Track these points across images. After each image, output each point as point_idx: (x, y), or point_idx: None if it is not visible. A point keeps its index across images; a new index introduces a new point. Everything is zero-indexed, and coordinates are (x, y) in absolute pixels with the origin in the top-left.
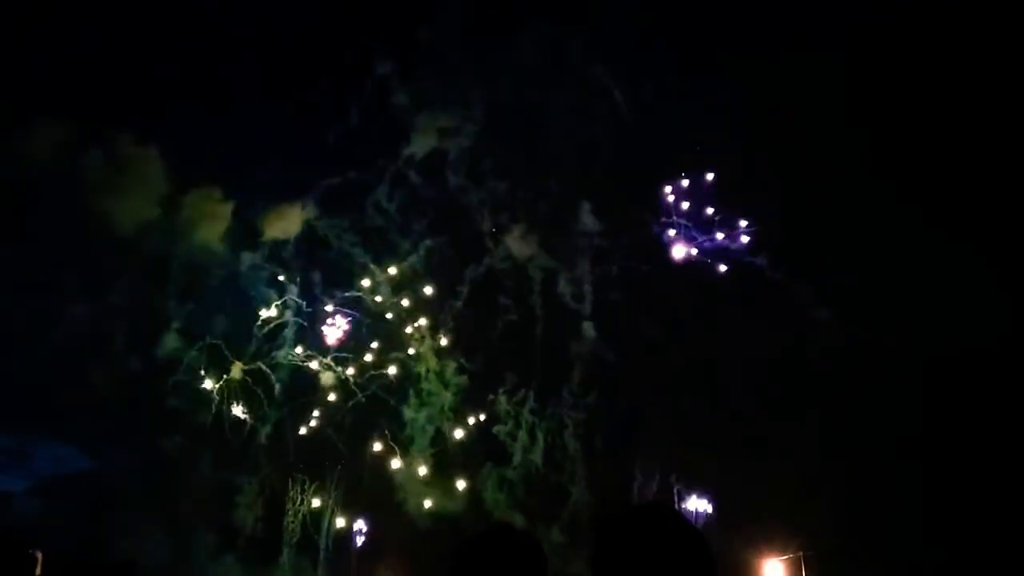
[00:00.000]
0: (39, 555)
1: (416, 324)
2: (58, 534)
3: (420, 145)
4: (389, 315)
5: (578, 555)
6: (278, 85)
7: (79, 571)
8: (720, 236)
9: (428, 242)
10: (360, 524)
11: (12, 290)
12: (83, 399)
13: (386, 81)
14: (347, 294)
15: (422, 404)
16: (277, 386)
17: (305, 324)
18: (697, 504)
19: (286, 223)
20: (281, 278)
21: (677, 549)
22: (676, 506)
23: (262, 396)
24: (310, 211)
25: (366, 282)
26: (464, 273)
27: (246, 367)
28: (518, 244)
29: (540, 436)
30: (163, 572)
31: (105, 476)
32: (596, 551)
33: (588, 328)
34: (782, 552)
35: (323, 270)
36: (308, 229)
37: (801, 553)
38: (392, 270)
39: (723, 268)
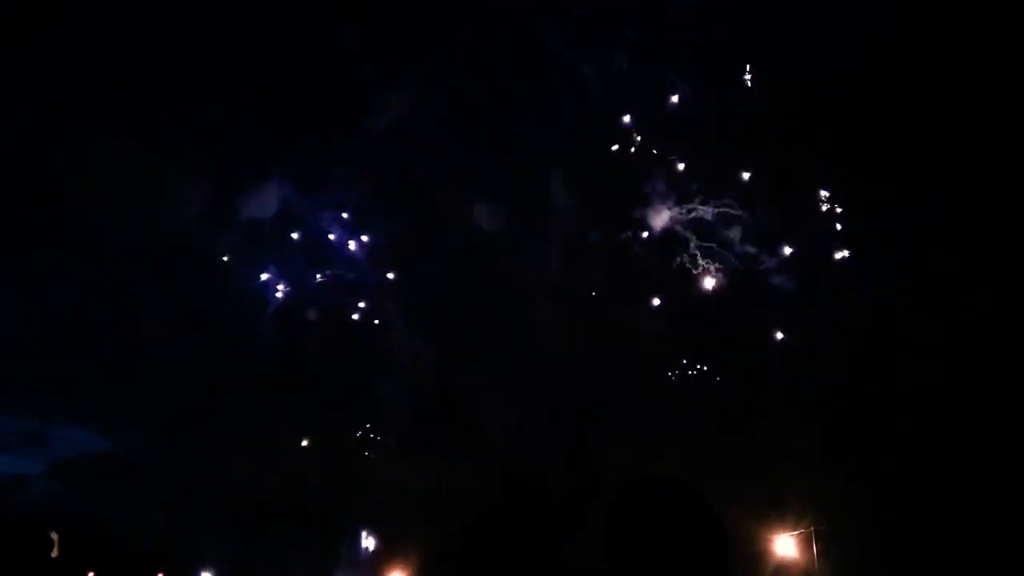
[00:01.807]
0: (55, 536)
1: (389, 299)
2: (73, 514)
3: (387, 118)
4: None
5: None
6: (249, 63)
7: (108, 560)
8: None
9: (397, 216)
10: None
11: (19, 277)
12: (97, 381)
13: (353, 53)
14: (327, 271)
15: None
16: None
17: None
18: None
19: (263, 201)
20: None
21: (691, 522)
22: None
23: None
24: (286, 188)
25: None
26: (434, 247)
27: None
28: (487, 217)
29: (513, 413)
30: (177, 551)
31: (120, 457)
32: (609, 522)
33: (557, 302)
34: (794, 527)
35: (302, 247)
36: (285, 206)
37: (812, 528)
38: (364, 238)
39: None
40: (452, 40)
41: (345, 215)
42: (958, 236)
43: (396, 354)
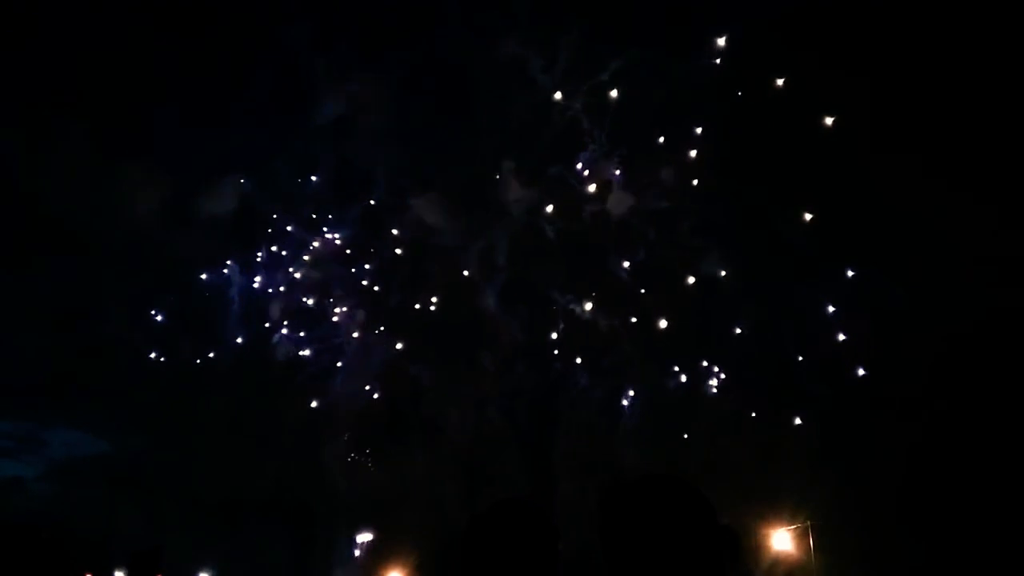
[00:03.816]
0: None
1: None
2: (70, 517)
3: (338, 111)
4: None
5: None
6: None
7: (107, 561)
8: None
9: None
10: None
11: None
12: (94, 384)
13: (302, 47)
14: (290, 271)
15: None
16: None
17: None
18: None
19: (222, 198)
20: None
21: (687, 517)
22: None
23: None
24: (246, 185)
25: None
26: (385, 244)
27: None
28: (434, 213)
29: (470, 410)
30: (175, 551)
31: (117, 460)
32: (604, 519)
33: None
34: (790, 522)
35: (262, 244)
36: (244, 204)
37: (808, 523)
38: (316, 243)
39: None
40: (402, 34)
41: (308, 213)
42: (948, 235)
43: (355, 352)
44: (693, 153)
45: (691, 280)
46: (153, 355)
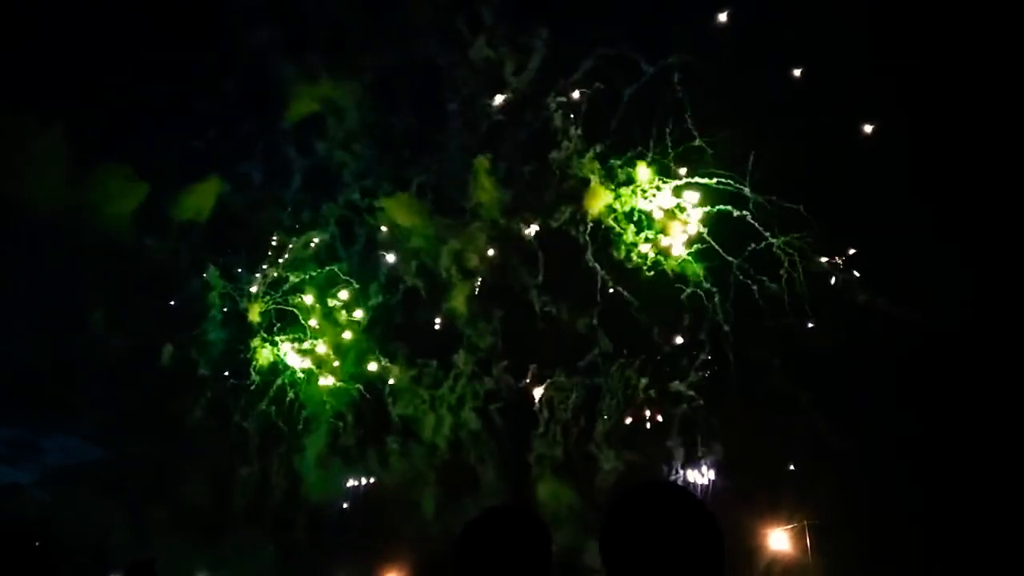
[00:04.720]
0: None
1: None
2: (66, 524)
3: (305, 111)
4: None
5: None
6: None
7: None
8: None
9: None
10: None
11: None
12: (90, 390)
13: (272, 47)
14: (267, 271)
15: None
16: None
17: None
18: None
19: (199, 200)
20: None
21: (687, 526)
22: None
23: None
24: (222, 186)
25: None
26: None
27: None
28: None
29: (446, 413)
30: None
31: (114, 466)
32: (605, 528)
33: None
34: (786, 522)
35: (242, 247)
36: (222, 206)
37: (805, 523)
38: (290, 244)
39: None
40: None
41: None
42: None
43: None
44: (674, 148)
45: (671, 280)
46: (140, 361)
